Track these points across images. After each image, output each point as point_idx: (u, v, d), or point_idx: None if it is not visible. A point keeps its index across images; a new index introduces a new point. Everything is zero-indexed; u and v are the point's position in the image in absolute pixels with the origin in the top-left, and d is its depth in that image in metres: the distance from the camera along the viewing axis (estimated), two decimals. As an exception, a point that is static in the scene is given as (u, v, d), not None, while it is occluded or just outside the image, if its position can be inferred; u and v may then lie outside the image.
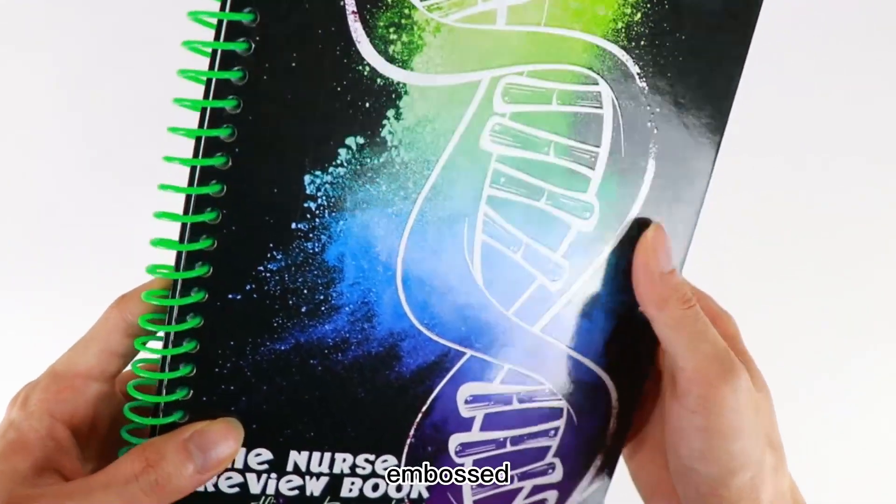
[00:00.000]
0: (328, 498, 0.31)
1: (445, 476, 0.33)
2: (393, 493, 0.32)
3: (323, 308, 0.29)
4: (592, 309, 0.32)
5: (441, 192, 0.29)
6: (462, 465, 0.33)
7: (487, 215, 0.30)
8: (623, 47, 0.29)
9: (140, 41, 0.53)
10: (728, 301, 0.35)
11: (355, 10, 0.26)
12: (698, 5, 0.29)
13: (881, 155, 0.63)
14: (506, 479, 0.34)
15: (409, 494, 0.33)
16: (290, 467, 0.30)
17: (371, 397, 0.30)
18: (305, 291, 0.28)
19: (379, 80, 0.27)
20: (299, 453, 0.30)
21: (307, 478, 0.31)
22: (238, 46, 0.25)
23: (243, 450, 0.29)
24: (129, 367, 0.30)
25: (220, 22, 0.25)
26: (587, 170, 0.30)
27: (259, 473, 0.30)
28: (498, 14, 0.28)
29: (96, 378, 0.28)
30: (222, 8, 0.24)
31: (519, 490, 0.34)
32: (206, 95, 0.25)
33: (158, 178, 0.55)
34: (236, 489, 0.30)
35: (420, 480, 0.32)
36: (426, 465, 0.32)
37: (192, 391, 0.28)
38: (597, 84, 0.29)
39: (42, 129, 0.55)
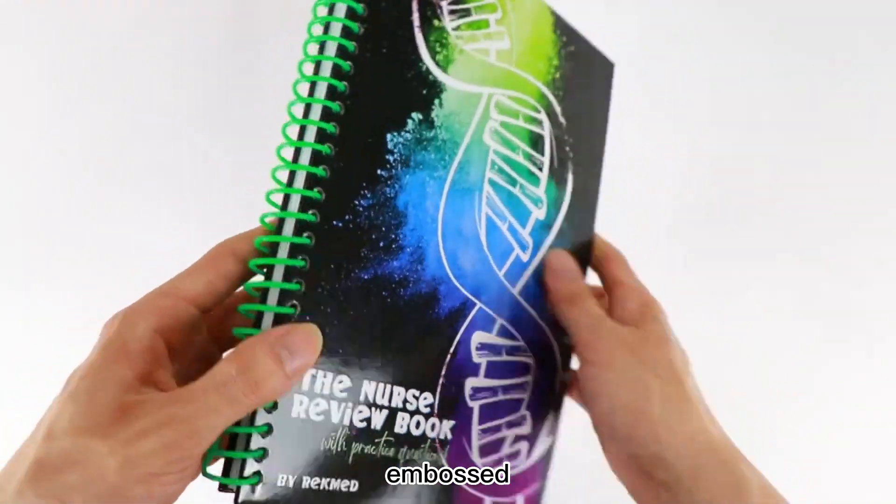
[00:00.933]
0: (385, 432, 0.34)
1: (462, 413, 0.37)
2: (429, 432, 0.36)
3: (393, 245, 0.34)
4: (541, 278, 0.42)
5: (464, 167, 0.38)
6: (473, 408, 0.38)
7: (488, 193, 0.39)
8: (552, 93, 0.43)
9: (139, 39, 0.54)
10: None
11: (419, 24, 0.36)
12: (575, 76, 0.45)
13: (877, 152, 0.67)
14: (496, 423, 0.40)
15: (438, 434, 0.36)
16: (362, 397, 0.33)
17: (420, 334, 0.35)
18: (383, 229, 0.34)
19: (430, 77, 0.36)
20: (370, 384, 0.33)
21: (373, 410, 0.33)
22: (349, 45, 0.32)
23: (331, 376, 0.31)
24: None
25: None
26: (539, 171, 0.42)
27: (339, 402, 0.32)
28: (490, 53, 0.40)
29: (198, 305, 0.30)
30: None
31: (504, 440, 0.40)
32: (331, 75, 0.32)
33: (157, 179, 0.50)
34: (321, 417, 0.31)
35: (446, 419, 0.37)
36: (451, 405, 0.37)
37: (299, 308, 0.30)
38: (539, 113, 0.42)
39: (40, 131, 0.53)
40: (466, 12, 0.39)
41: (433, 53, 0.36)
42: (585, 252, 0.45)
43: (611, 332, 0.37)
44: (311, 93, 0.32)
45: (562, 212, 0.43)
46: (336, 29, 0.32)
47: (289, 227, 0.31)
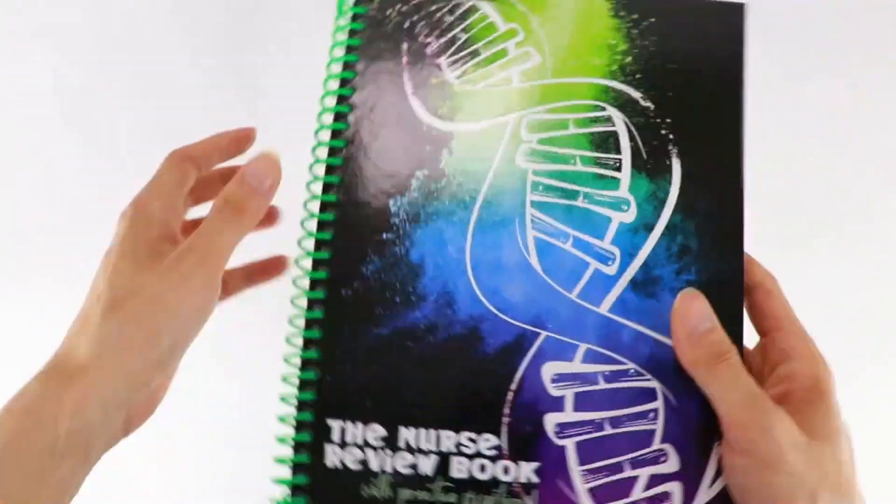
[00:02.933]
0: (439, 477, 0.34)
1: (547, 453, 0.34)
2: (501, 476, 0.34)
3: (412, 298, 0.35)
4: (657, 289, 0.36)
5: (492, 201, 0.37)
6: (564, 446, 0.35)
7: (534, 215, 0.37)
8: (622, 81, 0.39)
9: (135, 42, 0.60)
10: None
11: (412, 91, 0.37)
12: (682, 47, 0.39)
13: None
14: (614, 461, 0.35)
15: (517, 478, 0.34)
16: (402, 444, 0.34)
17: (463, 375, 0.35)
18: (397, 285, 0.35)
19: (434, 132, 0.37)
20: (407, 429, 0.34)
21: (418, 455, 0.34)
22: (344, 109, 0.36)
23: (361, 426, 0.34)
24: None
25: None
26: (615, 172, 0.38)
27: (376, 449, 0.34)
28: (513, 78, 0.38)
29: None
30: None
31: (635, 479, 0.35)
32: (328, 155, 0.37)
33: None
34: (360, 466, 0.33)
35: (524, 460, 0.35)
36: (527, 445, 0.35)
37: (319, 373, 0.34)
38: (605, 110, 0.38)
39: (38, 126, 0.60)
40: (473, 54, 0.38)
41: (434, 110, 0.37)
42: (734, 255, 0.36)
43: (778, 423, 0.31)
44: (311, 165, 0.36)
45: (668, 204, 0.37)
46: (330, 101, 0.36)
47: (302, 302, 0.35)
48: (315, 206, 0.36)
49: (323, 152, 0.37)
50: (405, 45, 0.38)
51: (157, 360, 0.33)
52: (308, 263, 0.36)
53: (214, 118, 0.58)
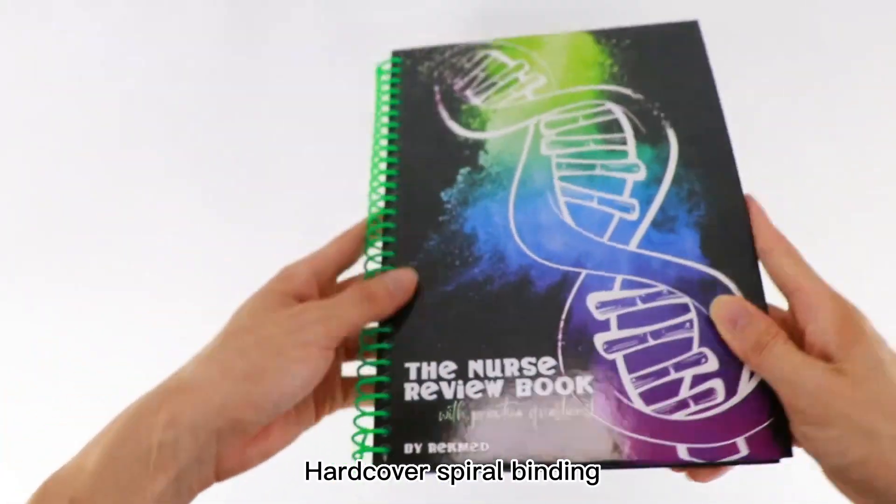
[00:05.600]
0: (507, 397, 0.39)
1: (599, 366, 0.39)
2: (560, 390, 0.39)
3: (469, 259, 0.43)
4: (675, 226, 0.43)
5: (526, 181, 0.45)
6: (614, 360, 0.40)
7: (562, 186, 0.45)
8: (614, 84, 0.48)
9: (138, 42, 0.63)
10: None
11: (448, 115, 0.48)
12: (656, 53, 0.48)
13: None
14: (659, 367, 0.39)
15: (575, 391, 0.39)
16: (471, 374, 0.40)
17: (520, 312, 0.41)
18: (456, 251, 0.43)
19: (470, 141, 0.47)
20: (475, 361, 0.40)
21: (486, 382, 0.39)
22: (394, 136, 0.47)
23: (434, 364, 0.40)
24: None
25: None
26: (622, 146, 0.46)
27: (448, 381, 0.39)
28: (527, 95, 0.48)
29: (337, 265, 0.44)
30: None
31: (680, 381, 0.39)
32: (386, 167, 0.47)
33: (162, 180, 0.62)
34: (434, 396, 0.39)
35: (579, 375, 0.39)
36: (581, 362, 0.40)
37: (394, 325, 0.42)
38: (604, 105, 0.47)
39: (56, 131, 0.64)
40: (491, 85, 0.49)
41: (467, 126, 0.48)
42: (736, 207, 0.42)
43: (814, 381, 0.33)
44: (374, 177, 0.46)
45: (671, 161, 0.45)
46: (383, 132, 0.48)
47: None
48: (381, 205, 0.46)
49: (383, 165, 0.47)
50: (436, 87, 0.50)
51: (255, 399, 0.34)
52: (379, 248, 0.44)
53: (225, 116, 0.64)
